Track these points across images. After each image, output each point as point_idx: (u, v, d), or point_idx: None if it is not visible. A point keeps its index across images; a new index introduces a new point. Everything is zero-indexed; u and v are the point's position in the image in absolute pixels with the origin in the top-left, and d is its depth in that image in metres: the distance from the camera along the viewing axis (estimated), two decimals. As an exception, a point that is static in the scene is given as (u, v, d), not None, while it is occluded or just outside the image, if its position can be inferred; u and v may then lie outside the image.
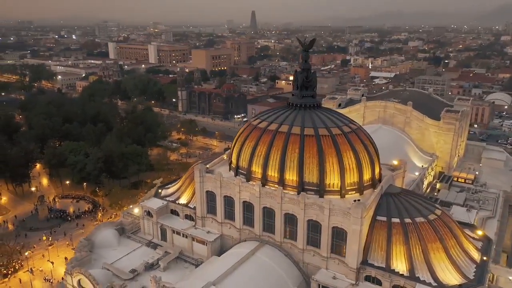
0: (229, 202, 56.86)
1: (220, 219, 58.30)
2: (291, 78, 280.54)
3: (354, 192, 51.20)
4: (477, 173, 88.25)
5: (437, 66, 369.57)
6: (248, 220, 55.83)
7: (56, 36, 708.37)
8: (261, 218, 54.29)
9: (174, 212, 63.74)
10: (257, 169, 53.42)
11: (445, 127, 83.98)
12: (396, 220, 48.51)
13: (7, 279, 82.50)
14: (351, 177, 50.73)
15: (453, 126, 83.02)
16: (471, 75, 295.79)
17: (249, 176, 54.33)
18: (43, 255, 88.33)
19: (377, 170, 53.72)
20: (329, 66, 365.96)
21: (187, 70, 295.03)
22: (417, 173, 76.42)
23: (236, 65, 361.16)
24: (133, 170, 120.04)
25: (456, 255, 47.36)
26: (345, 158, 50.30)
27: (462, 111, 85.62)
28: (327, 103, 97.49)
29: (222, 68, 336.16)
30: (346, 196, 50.61)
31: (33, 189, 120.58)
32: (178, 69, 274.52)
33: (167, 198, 65.03)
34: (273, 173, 52.16)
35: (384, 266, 46.95)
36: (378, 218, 49.22)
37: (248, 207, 55.24)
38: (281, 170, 51.46)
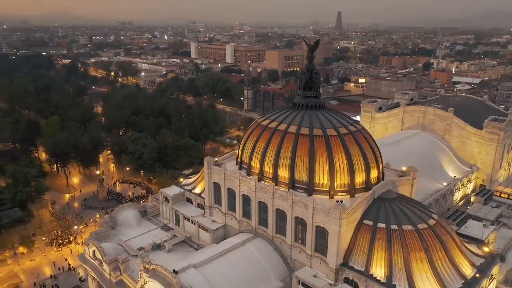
0: (231, 194, 59.92)
1: (224, 209, 61.66)
2: (361, 80, 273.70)
3: (344, 193, 51.06)
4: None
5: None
6: (247, 212, 58.39)
7: (150, 36, 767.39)
8: (257, 211, 56.52)
9: (189, 200, 68.50)
10: (255, 165, 55.69)
11: (487, 137, 77.90)
12: (382, 225, 47.59)
13: (61, 248, 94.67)
14: (342, 179, 50.69)
15: (497, 136, 76.66)
16: None
17: (249, 171, 56.82)
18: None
19: (374, 174, 52.80)
20: (407, 69, 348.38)
21: (259, 70, 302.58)
22: (445, 183, 72.29)
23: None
24: (185, 162, 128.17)
25: (442, 268, 45.13)
26: (336, 159, 50.43)
27: (509, 120, 78.55)
28: (366, 106, 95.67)
29: (295, 69, 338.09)
30: (335, 197, 50.66)
31: (97, 172, 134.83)
32: (250, 69, 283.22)
33: (185, 187, 70.02)
34: (268, 169, 54.09)
35: (363, 270, 46.48)
36: (365, 222, 48.69)
37: (247, 200, 57.82)
38: (275, 167, 53.18)
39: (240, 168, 59.09)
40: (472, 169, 79.14)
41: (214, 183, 62.17)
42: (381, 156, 55.23)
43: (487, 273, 47.27)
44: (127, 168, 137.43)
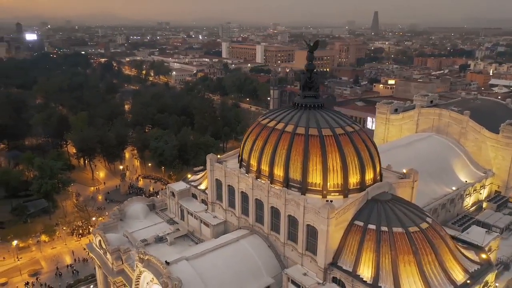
0: (231, 191, 61.17)
1: (225, 206, 63.05)
2: (390, 81, 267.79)
3: (337, 194, 51.06)
4: (546, 197, 76.92)
5: None
6: (245, 209, 59.44)
7: (185, 36, 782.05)
8: (254, 209, 57.49)
9: (194, 196, 70.40)
10: (254, 163, 56.61)
11: (503, 141, 75.10)
12: (372, 226, 47.38)
13: (80, 238, 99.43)
14: (335, 179, 50.74)
15: (514, 140, 73.85)
16: None
17: (248, 169, 57.88)
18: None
19: (369, 176, 52.48)
20: (442, 71, 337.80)
21: (287, 70, 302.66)
22: (454, 188, 70.46)
23: (339, 67, 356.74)
24: (204, 159, 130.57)
25: (430, 272, 44.42)
26: (330, 159, 50.54)
27: (528, 124, 75.32)
28: (381, 108, 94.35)
29: (324, 69, 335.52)
30: (328, 196, 50.81)
31: (121, 167, 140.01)
32: (279, 69, 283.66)
33: (191, 183, 72.00)
34: (265, 167, 54.89)
35: (351, 270, 46.48)
36: (356, 222, 48.62)
37: (245, 198, 58.89)
38: (271, 165, 53.96)
39: (240, 166, 60.27)
40: (487, 175, 76.49)
41: (216, 179, 63.66)
42: (379, 158, 54.80)
43: (479, 280, 46.02)
44: (150, 164, 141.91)
